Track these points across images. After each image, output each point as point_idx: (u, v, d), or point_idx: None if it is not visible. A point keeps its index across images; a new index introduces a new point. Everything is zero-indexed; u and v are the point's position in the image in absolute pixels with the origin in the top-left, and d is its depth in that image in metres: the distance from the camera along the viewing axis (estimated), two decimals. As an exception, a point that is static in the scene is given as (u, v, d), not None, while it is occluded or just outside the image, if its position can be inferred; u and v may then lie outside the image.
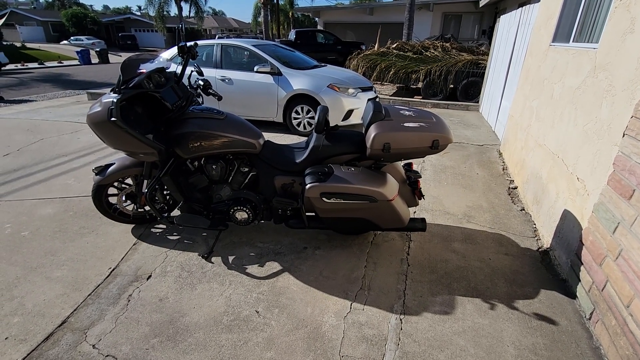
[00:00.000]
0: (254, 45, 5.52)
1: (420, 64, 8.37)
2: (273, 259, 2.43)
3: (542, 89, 3.38)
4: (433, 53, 8.58)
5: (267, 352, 1.72)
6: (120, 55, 26.55)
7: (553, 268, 2.39)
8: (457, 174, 3.98)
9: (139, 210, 2.71)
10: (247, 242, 2.63)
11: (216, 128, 2.27)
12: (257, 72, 5.20)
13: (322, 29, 17.97)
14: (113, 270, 2.32)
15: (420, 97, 8.49)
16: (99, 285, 2.17)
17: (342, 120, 5.13)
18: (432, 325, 1.89)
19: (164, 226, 2.83)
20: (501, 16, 6.66)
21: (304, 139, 2.59)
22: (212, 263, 2.39)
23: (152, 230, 2.79)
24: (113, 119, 1.98)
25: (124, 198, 2.66)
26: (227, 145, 2.29)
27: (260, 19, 40.09)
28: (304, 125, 5.31)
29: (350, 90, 5.13)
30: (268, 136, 5.02)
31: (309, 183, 2.13)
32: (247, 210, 2.41)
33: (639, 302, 1.52)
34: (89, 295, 2.09)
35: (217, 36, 22.99)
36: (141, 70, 2.23)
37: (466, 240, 2.70)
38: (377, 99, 5.69)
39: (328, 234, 2.70)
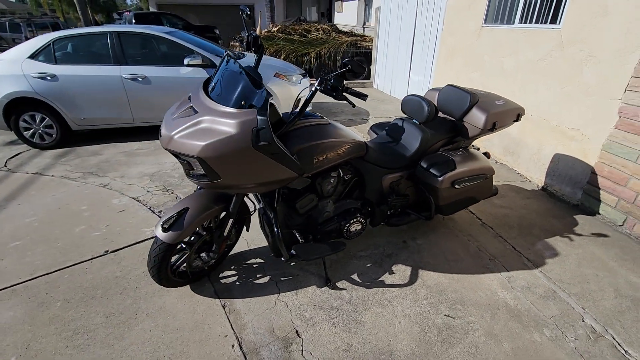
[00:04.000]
0: (166, 33, 4.48)
1: (308, 46, 8.56)
2: (393, 263, 2.30)
3: (483, 63, 4.15)
4: (316, 35, 8.88)
5: (504, 344, 1.72)
6: None
7: (561, 199, 3.14)
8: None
9: (202, 263, 2.02)
10: (348, 255, 2.36)
11: (335, 134, 1.90)
12: (187, 65, 4.28)
13: (156, 10, 15.66)
14: (241, 345, 1.72)
15: (314, 78, 8.75)
16: (250, 372, 1.59)
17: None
18: (563, 268, 2.26)
19: (231, 272, 2.21)
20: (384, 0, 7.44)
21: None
22: (344, 289, 2.07)
23: (222, 281, 2.14)
24: (264, 142, 1.41)
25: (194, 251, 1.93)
26: (349, 152, 1.96)
27: (43, -1, 31.11)
28: (252, 121, 4.78)
29: (294, 78, 4.89)
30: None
31: (441, 175, 2.10)
32: (361, 220, 2.17)
33: (681, 202, 2.27)
34: (254, 389, 1.52)
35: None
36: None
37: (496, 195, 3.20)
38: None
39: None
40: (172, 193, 3.20)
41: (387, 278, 2.16)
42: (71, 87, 4.13)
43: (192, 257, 1.94)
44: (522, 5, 3.59)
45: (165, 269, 1.82)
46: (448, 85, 2.48)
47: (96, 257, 2.37)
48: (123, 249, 2.46)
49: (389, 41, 7.11)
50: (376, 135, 2.53)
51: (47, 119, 4.22)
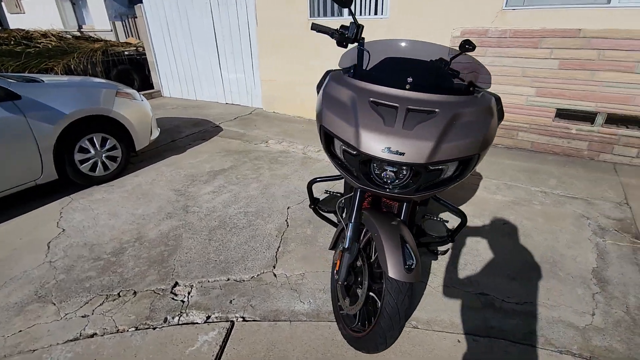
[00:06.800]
0: None
1: (45, 58, 6.21)
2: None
3: (320, 51, 4.81)
4: (50, 43, 6.49)
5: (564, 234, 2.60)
6: None
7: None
8: (302, 132, 4.79)
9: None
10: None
11: None
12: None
13: None
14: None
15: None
16: (513, 341, 1.67)
17: (152, 137, 3.76)
18: (502, 174, 3.44)
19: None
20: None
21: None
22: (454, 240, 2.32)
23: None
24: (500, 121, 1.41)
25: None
26: None
27: None
28: (105, 165, 3.32)
29: (137, 95, 3.72)
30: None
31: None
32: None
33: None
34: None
35: None
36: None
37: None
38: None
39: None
40: (128, 294, 2.01)
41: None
42: None
43: None
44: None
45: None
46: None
47: None
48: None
49: (175, 43, 6.39)
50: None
51: None
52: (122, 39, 9.33)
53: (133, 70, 7.40)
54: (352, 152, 1.36)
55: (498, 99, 1.56)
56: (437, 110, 1.31)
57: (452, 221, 2.61)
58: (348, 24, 1.60)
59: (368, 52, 1.66)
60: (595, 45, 3.28)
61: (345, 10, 4.50)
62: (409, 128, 1.27)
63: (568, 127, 3.68)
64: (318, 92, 1.68)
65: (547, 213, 2.72)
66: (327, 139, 1.48)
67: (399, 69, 1.58)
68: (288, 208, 2.84)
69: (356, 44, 1.64)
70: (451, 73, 1.67)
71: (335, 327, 1.75)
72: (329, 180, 1.96)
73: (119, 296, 1.99)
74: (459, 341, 1.68)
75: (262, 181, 3.33)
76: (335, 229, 2.32)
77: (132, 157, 3.75)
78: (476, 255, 2.26)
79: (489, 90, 1.55)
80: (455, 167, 1.37)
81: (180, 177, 3.45)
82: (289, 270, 2.16)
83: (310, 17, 4.76)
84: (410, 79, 1.40)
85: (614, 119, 3.48)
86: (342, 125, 1.36)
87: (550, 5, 3.39)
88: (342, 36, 1.61)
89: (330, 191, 2.22)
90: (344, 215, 1.85)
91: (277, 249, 2.35)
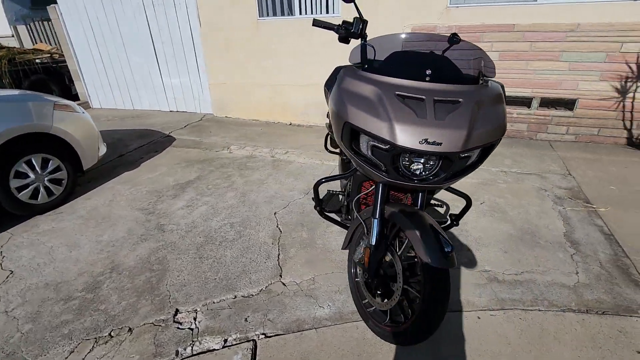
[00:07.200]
0: None
1: None
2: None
3: (272, 50, 4.71)
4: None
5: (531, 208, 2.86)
6: None
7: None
8: (262, 135, 4.64)
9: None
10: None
11: None
12: None
13: None
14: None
15: None
16: (524, 309, 1.81)
17: (100, 153, 3.32)
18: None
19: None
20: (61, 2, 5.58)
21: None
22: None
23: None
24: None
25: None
26: None
27: None
28: (48, 190, 2.85)
29: (76, 107, 3.25)
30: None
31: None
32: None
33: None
34: (541, 309, 1.80)
35: None
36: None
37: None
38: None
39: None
40: None
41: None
42: None
43: None
44: (298, 1, 4.40)
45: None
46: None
47: None
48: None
49: (102, 48, 5.72)
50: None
51: None
52: (29, 45, 8.10)
53: (50, 80, 6.49)
54: (384, 146, 1.35)
55: (503, 87, 1.66)
56: (460, 100, 1.35)
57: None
58: (338, 21, 1.61)
59: (373, 47, 1.66)
60: (528, 38, 3.70)
61: (296, 9, 4.48)
62: (442, 118, 1.30)
63: (510, 111, 4.11)
64: (328, 90, 1.63)
65: (512, 190, 3.00)
66: (352, 136, 1.45)
67: (411, 61, 1.61)
68: (275, 214, 2.73)
69: (360, 39, 1.63)
70: (454, 63, 1.73)
71: (362, 326, 1.73)
72: (336, 179, 1.92)
73: (111, 337, 1.73)
74: (479, 317, 1.77)
75: (237, 189, 3.16)
76: (339, 228, 2.29)
77: (79, 178, 3.28)
78: (467, 236, 2.41)
79: (493, 78, 1.65)
80: (477, 153, 1.43)
81: (142, 195, 3.11)
82: (297, 277, 2.08)
83: (260, 17, 4.63)
84: (429, 71, 1.43)
85: (546, 102, 3.98)
86: (373, 121, 1.33)
87: (487, 3, 3.74)
88: (347, 32, 1.59)
89: (331, 190, 2.19)
90: (360, 213, 1.84)
91: (278, 257, 2.25)
